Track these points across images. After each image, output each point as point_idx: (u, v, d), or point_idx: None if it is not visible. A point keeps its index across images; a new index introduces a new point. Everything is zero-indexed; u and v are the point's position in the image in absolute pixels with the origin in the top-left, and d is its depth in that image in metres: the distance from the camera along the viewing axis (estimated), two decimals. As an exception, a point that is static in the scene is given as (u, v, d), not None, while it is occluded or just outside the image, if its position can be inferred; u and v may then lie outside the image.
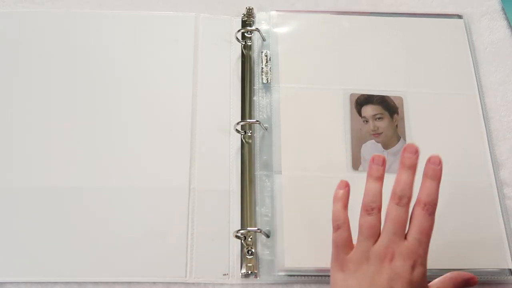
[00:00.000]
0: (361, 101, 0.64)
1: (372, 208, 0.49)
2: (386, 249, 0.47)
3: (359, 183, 0.60)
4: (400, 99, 0.64)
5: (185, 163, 0.62)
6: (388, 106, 0.64)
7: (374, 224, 0.49)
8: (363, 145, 0.62)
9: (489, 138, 0.63)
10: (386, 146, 0.62)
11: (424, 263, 0.47)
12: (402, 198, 0.48)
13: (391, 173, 0.60)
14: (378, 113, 0.63)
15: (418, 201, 0.48)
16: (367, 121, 0.63)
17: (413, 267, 0.46)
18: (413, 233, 0.47)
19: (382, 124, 0.63)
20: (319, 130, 0.63)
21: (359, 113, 0.64)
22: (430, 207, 0.48)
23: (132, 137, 0.63)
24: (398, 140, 0.62)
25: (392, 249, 0.47)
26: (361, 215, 0.49)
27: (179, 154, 0.62)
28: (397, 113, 0.64)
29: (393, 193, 0.49)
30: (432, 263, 0.56)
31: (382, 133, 0.63)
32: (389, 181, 0.60)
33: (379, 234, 0.49)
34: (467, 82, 0.66)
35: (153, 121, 0.64)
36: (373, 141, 0.62)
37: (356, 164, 0.61)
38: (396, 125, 0.63)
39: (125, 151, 0.62)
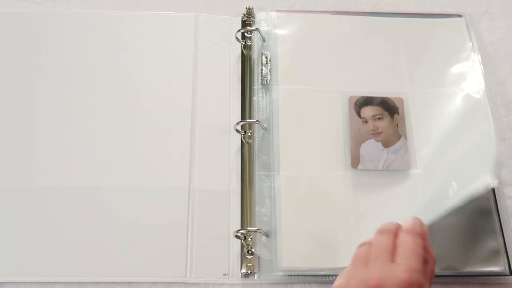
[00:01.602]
0: (360, 103, 0.64)
1: (364, 243, 0.48)
2: (369, 275, 0.44)
3: (358, 181, 0.60)
4: (401, 100, 0.64)
5: (185, 163, 0.62)
6: (388, 107, 0.64)
7: (359, 252, 0.47)
8: (363, 145, 0.62)
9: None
10: (386, 144, 0.62)
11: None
12: (384, 230, 0.47)
13: (391, 170, 0.60)
14: (378, 114, 0.63)
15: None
16: (366, 122, 0.63)
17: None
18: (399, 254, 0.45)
19: (382, 124, 0.63)
20: (318, 130, 0.63)
21: (358, 114, 0.63)
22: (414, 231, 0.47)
23: (132, 137, 0.63)
24: (399, 139, 0.62)
25: (375, 273, 0.44)
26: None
27: (179, 154, 0.62)
28: (398, 113, 0.63)
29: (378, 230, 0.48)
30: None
31: (382, 132, 0.62)
32: (389, 178, 0.60)
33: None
34: (468, 79, 0.65)
35: (153, 121, 0.64)
36: (372, 140, 0.62)
37: (355, 162, 0.61)
38: (397, 124, 0.63)
39: (124, 151, 0.62)
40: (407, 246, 0.45)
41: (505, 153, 0.63)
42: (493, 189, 0.60)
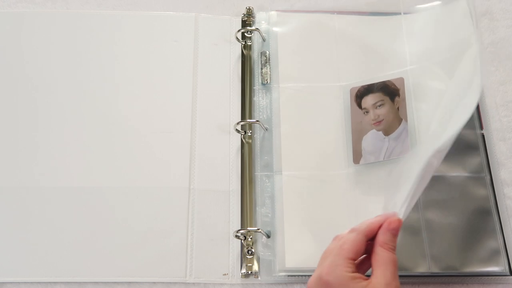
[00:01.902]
0: (361, 93, 0.63)
1: None
2: None
3: (361, 178, 0.60)
4: (401, 80, 0.62)
5: (185, 163, 0.62)
6: (389, 91, 0.62)
7: None
8: (364, 137, 0.61)
9: (489, 138, 0.63)
10: (387, 132, 0.61)
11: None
12: (336, 237, 0.50)
13: (393, 158, 0.59)
14: (379, 101, 0.62)
15: None
16: (367, 112, 0.62)
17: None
18: None
19: (383, 111, 0.62)
20: (319, 128, 0.63)
21: (359, 106, 0.63)
22: None
23: (132, 138, 0.63)
24: (400, 123, 0.61)
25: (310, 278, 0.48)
26: None
27: (179, 154, 0.62)
28: (398, 95, 0.62)
29: None
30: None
31: (383, 120, 0.61)
32: (391, 167, 0.59)
33: None
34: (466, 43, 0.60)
35: (153, 121, 0.64)
36: (373, 130, 0.61)
37: (357, 158, 0.61)
38: (398, 108, 0.61)
39: (125, 151, 0.62)
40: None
41: (505, 153, 0.63)
42: (493, 189, 0.60)
